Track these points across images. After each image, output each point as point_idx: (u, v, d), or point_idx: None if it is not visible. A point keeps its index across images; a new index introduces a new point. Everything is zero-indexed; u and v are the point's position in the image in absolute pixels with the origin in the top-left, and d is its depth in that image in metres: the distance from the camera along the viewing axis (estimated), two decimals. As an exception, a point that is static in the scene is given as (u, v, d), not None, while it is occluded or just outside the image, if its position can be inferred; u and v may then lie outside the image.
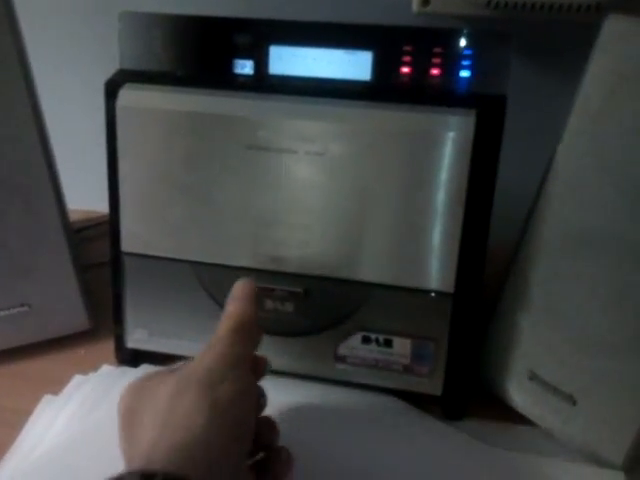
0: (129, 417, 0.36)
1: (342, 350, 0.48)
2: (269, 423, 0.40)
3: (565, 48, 0.56)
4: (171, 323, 0.51)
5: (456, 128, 0.42)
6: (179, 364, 0.39)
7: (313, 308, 0.47)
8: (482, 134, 0.42)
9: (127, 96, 0.46)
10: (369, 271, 0.45)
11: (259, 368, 0.40)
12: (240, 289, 0.41)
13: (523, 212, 0.45)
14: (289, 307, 0.48)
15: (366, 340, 0.47)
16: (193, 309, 0.49)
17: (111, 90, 0.46)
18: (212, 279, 0.48)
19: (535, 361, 0.46)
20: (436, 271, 0.44)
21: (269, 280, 0.47)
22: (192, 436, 0.33)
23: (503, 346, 0.47)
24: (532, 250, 0.45)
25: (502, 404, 0.48)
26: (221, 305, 0.49)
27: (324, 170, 0.44)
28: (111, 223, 0.49)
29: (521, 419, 0.48)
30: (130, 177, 0.47)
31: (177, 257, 0.48)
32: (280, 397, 0.49)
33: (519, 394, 0.47)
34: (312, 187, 0.44)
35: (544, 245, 0.44)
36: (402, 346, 0.47)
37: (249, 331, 0.39)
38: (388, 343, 0.47)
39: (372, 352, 0.48)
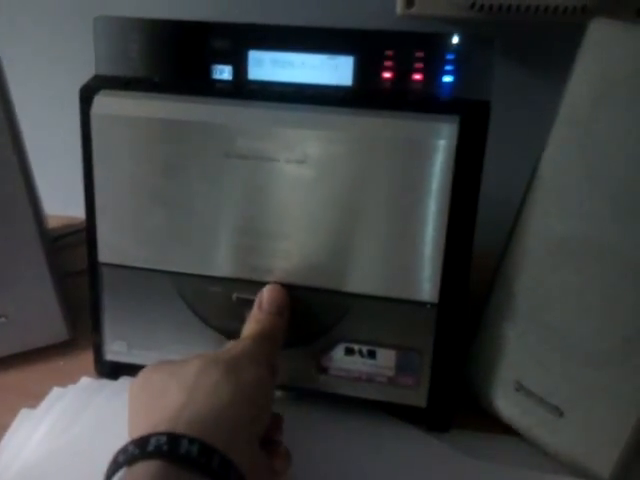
0: (151, 390, 0.38)
1: (325, 361, 0.47)
2: (277, 418, 0.41)
3: (550, 51, 0.55)
4: (151, 335, 0.49)
5: (439, 135, 0.41)
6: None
7: (295, 319, 0.46)
8: (466, 140, 0.41)
9: (102, 103, 0.45)
10: (352, 281, 0.44)
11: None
12: (273, 298, 0.44)
13: (508, 219, 0.45)
14: (270, 317, 0.47)
15: (349, 351, 0.46)
16: (173, 321, 0.48)
17: (86, 96, 0.45)
18: (192, 290, 0.47)
19: (521, 372, 0.45)
20: (421, 281, 0.43)
21: (250, 290, 0.46)
22: (217, 409, 0.35)
23: (489, 356, 0.47)
24: (517, 259, 0.44)
25: (488, 415, 0.48)
26: (201, 317, 0.48)
27: (305, 178, 0.43)
28: (88, 233, 0.48)
29: (507, 430, 0.47)
30: (106, 186, 0.46)
31: (156, 268, 0.47)
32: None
33: (505, 405, 0.46)
34: (293, 196, 0.43)
35: (529, 254, 0.43)
36: (386, 357, 0.46)
37: (276, 338, 0.43)
38: (372, 354, 0.46)
39: (356, 364, 0.47)
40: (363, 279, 0.44)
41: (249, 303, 0.46)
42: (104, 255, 0.48)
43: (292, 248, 0.44)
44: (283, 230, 0.44)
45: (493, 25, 0.50)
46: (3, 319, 0.52)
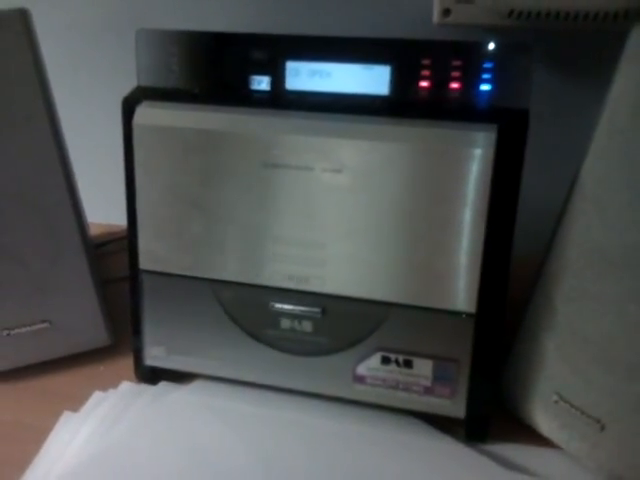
0: None
1: (361, 370, 0.47)
2: None
3: (590, 58, 0.55)
4: (189, 341, 0.50)
5: (477, 144, 0.41)
6: None
7: (331, 327, 0.46)
8: (504, 149, 0.40)
9: (144, 114, 0.46)
10: (388, 290, 0.44)
11: None
12: None
13: (547, 229, 0.44)
14: (307, 326, 0.47)
15: (385, 360, 0.46)
16: (211, 327, 0.49)
17: (128, 108, 0.46)
18: (230, 297, 0.48)
19: (560, 383, 0.44)
20: (457, 291, 0.43)
21: (287, 299, 0.46)
22: None
23: (527, 367, 0.46)
24: (557, 269, 0.43)
25: (525, 427, 0.47)
26: (238, 324, 0.48)
27: (341, 187, 0.43)
28: (129, 240, 0.49)
29: (545, 442, 0.46)
30: (147, 194, 0.47)
31: (194, 275, 0.48)
32: (297, 417, 0.49)
33: (544, 417, 0.46)
34: (329, 205, 0.44)
35: (569, 264, 0.42)
36: (423, 367, 0.46)
37: None
38: (408, 364, 0.46)
39: (392, 373, 0.46)
40: (399, 288, 0.44)
41: (286, 312, 0.46)
42: (145, 262, 0.49)
43: (328, 257, 0.45)
44: (319, 239, 0.45)
45: (530, 32, 0.50)
46: (47, 324, 0.53)
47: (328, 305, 0.46)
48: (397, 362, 0.46)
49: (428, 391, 0.46)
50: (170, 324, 0.50)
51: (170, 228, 0.47)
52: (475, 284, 0.43)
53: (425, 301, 0.44)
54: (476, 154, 0.40)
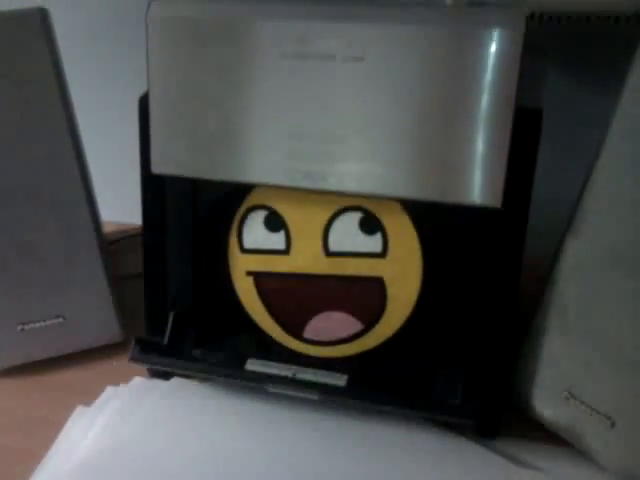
0: None
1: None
2: None
3: (602, 60, 0.55)
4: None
5: (506, 25, 0.38)
6: None
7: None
8: (519, 144, 0.40)
9: (157, 7, 0.44)
10: (410, 187, 0.42)
11: None
12: None
13: (558, 228, 0.44)
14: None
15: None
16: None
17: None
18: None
19: (571, 380, 0.44)
20: (482, 184, 0.41)
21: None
22: None
23: (538, 364, 0.46)
24: (569, 266, 0.43)
25: (535, 423, 0.47)
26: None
27: (363, 77, 0.41)
28: (141, 142, 0.48)
29: (555, 439, 0.46)
30: (160, 92, 0.45)
31: (209, 177, 0.46)
32: (312, 416, 0.49)
33: (554, 414, 0.46)
34: (350, 96, 0.41)
35: (581, 261, 0.43)
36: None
37: None
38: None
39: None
40: (421, 184, 0.42)
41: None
42: (157, 165, 0.47)
43: (347, 152, 0.43)
44: (339, 133, 0.42)
45: (544, 35, 0.50)
46: (60, 319, 0.54)
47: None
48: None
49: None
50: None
51: (184, 127, 0.45)
52: (502, 177, 0.41)
53: (449, 197, 0.42)
54: (505, 36, 0.38)
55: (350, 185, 0.43)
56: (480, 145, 0.40)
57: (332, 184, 0.43)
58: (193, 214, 0.49)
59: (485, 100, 0.39)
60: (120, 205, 0.62)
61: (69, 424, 0.50)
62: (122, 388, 0.52)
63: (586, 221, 0.42)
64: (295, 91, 0.42)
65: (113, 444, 0.47)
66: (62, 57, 0.48)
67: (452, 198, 0.42)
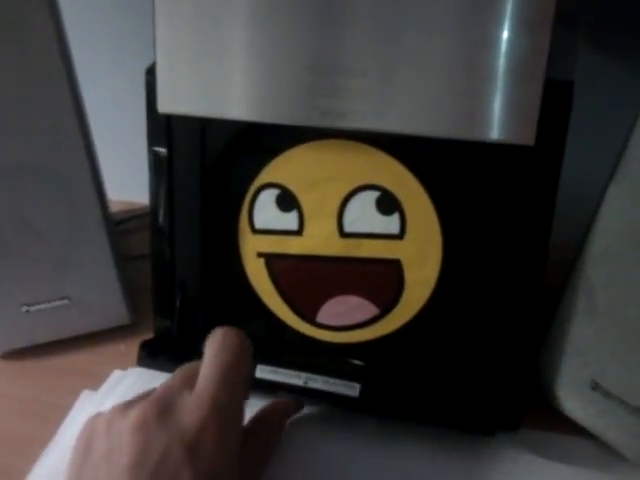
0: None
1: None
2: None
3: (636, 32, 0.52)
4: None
5: None
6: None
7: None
8: (547, 124, 0.38)
9: None
10: (437, 124, 0.39)
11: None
12: (236, 343, 0.39)
13: (585, 212, 0.42)
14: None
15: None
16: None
17: None
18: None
19: (598, 370, 0.42)
20: (517, 121, 0.38)
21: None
22: None
23: (562, 353, 0.44)
24: (596, 252, 0.41)
25: (559, 415, 0.45)
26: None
27: (390, 3, 0.37)
28: (149, 119, 0.46)
29: (580, 431, 0.45)
30: (168, 27, 0.41)
31: (218, 117, 0.43)
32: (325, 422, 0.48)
33: (579, 405, 0.44)
34: (375, 25, 0.38)
35: (609, 248, 0.40)
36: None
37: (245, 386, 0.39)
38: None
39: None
40: (450, 121, 0.39)
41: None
42: (163, 105, 0.43)
43: (370, 87, 0.39)
44: (360, 66, 0.39)
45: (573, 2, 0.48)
46: (66, 301, 0.53)
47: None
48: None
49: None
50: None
51: (191, 62, 0.42)
52: (535, 114, 0.37)
53: (479, 135, 0.38)
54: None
55: (372, 123, 0.39)
56: (514, 81, 0.37)
57: (352, 121, 0.40)
58: (202, 192, 0.47)
59: (518, 30, 0.36)
60: (127, 183, 0.61)
61: (76, 408, 0.49)
62: (129, 372, 0.51)
63: (615, 206, 0.40)
64: (312, 18, 0.38)
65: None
66: (67, 31, 0.46)
67: (483, 136, 0.38)
